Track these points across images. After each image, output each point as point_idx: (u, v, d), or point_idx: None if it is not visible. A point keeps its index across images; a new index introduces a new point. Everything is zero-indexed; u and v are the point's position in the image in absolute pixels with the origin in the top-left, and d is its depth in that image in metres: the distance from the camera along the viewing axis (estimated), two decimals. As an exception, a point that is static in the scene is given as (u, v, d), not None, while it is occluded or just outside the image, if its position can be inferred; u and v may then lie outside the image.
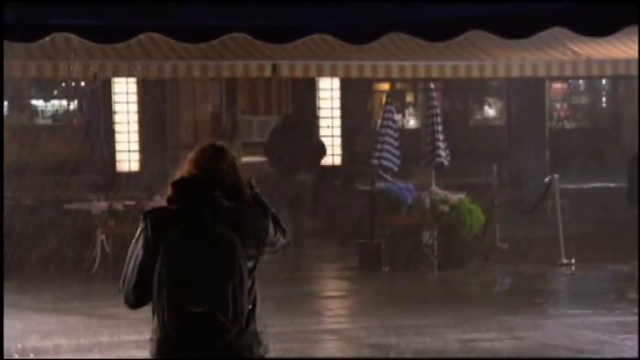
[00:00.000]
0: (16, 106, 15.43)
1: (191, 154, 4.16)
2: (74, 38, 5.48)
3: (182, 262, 3.90)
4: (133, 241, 4.08)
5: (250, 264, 3.99)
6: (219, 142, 4.26)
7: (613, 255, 12.74)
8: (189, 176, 4.08)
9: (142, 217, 4.08)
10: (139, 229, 4.07)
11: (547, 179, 13.33)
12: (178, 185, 4.07)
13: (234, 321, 3.88)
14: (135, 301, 4.05)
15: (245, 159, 15.31)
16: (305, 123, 14.54)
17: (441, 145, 12.90)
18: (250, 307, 3.98)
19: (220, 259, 3.90)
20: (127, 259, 4.08)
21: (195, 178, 4.06)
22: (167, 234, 3.95)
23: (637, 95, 15.90)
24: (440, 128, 12.89)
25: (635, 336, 8.90)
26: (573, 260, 12.68)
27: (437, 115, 12.99)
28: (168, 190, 4.11)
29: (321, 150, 14.08)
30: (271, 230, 4.11)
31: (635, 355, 8.14)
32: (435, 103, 13.24)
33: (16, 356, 8.30)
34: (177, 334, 3.88)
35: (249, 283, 3.97)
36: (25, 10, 5.00)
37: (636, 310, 9.83)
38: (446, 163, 12.92)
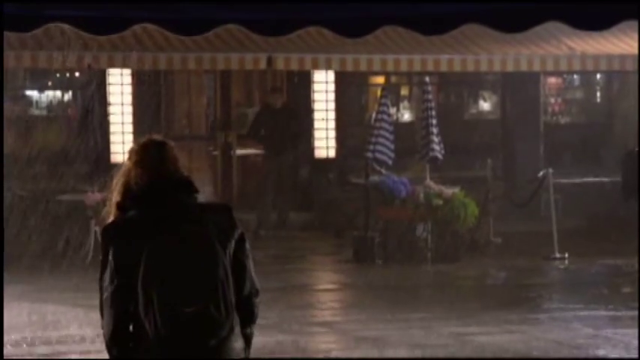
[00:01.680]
0: (10, 97, 15.38)
1: (132, 154, 4.07)
2: (69, 29, 5.47)
3: (165, 268, 3.85)
4: (100, 269, 3.94)
5: (228, 259, 3.94)
6: (156, 136, 4.19)
7: (606, 249, 12.77)
8: (147, 184, 3.98)
9: (101, 235, 3.99)
10: (103, 250, 3.94)
11: (541, 173, 13.35)
12: (138, 196, 3.97)
13: (227, 315, 3.87)
14: (126, 343, 3.92)
15: (239, 151, 15.32)
16: (286, 109, 14.72)
17: (435, 139, 12.90)
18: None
19: (201, 256, 3.88)
20: (101, 294, 3.94)
21: (150, 185, 3.98)
22: (138, 243, 3.87)
23: (632, 91, 15.92)
24: (434, 122, 12.89)
25: (628, 330, 8.93)
26: (567, 254, 12.70)
27: (431, 108, 13.00)
28: (117, 197, 4.00)
29: (297, 135, 14.49)
30: (239, 229, 4.03)
31: (634, 354, 8.13)
32: (430, 96, 13.23)
33: (9, 347, 8.29)
34: (173, 336, 3.84)
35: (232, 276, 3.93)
36: (20, 0, 4.99)
37: (630, 304, 9.86)
38: (440, 157, 12.92)
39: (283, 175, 14.44)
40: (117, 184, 4.07)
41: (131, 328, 3.94)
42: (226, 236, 3.97)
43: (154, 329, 3.84)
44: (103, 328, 3.98)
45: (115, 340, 3.94)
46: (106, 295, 3.95)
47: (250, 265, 4.06)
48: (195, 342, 3.86)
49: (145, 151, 4.08)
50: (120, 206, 4.02)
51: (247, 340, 4.05)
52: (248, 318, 4.04)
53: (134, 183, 4.00)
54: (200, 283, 3.85)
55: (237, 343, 3.96)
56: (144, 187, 3.99)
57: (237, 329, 3.96)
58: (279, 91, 15.03)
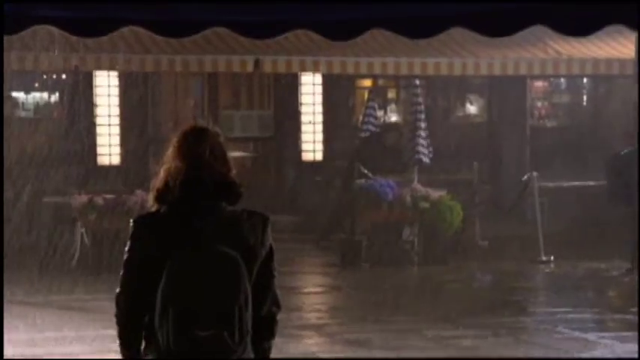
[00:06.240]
0: (-3, 98, 15.33)
1: (174, 142, 3.95)
2: (55, 30, 5.46)
3: (188, 286, 3.80)
4: (126, 249, 3.93)
5: (251, 280, 3.90)
6: (200, 124, 4.02)
7: (592, 252, 12.81)
8: (182, 183, 3.87)
9: (132, 225, 3.93)
10: (132, 239, 3.91)
11: (525, 177, 13.39)
12: (173, 194, 3.88)
13: (240, 341, 3.84)
14: (132, 304, 3.90)
15: (228, 153, 15.28)
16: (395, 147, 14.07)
17: (423, 142, 12.94)
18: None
19: (226, 280, 3.82)
20: (123, 270, 3.94)
21: (187, 183, 3.88)
22: (167, 247, 3.83)
23: (618, 94, 15.99)
24: (423, 125, 12.93)
25: (613, 334, 8.97)
26: (552, 257, 12.75)
27: (420, 111, 13.03)
28: (159, 184, 3.91)
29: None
30: (270, 244, 3.96)
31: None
32: (420, 99, 13.28)
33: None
34: (183, 355, 3.81)
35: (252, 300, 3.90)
36: (7, 1, 4.99)
37: (615, 307, 9.90)
38: (426, 160, 12.95)
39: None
40: (163, 166, 3.95)
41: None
42: (254, 256, 3.90)
43: (166, 344, 3.81)
44: (116, 317, 3.94)
45: (124, 338, 3.94)
46: (123, 290, 3.92)
47: (274, 283, 4.01)
48: None
49: (184, 139, 3.92)
50: (158, 196, 3.93)
51: (264, 353, 4.01)
52: (266, 334, 4.01)
53: (172, 176, 3.89)
54: (218, 308, 3.80)
55: (248, 356, 3.92)
56: (180, 185, 3.87)
57: (250, 346, 3.91)
58: (395, 129, 14.41)
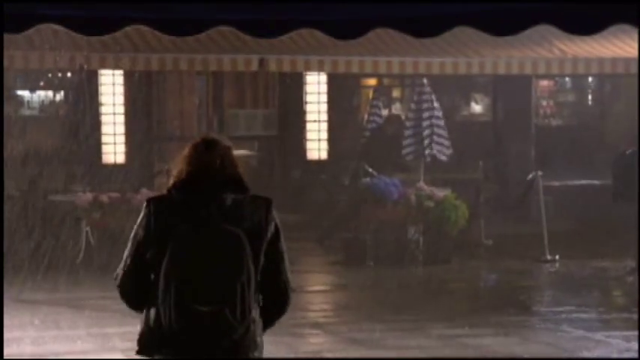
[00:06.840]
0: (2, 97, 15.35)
1: (184, 151, 4.09)
2: (60, 29, 5.47)
3: (190, 261, 3.87)
4: (135, 227, 4.04)
5: (257, 261, 3.96)
6: (210, 135, 4.18)
7: (597, 251, 12.81)
8: (189, 177, 4.01)
9: (145, 204, 4.04)
10: (142, 215, 4.02)
11: (530, 176, 13.40)
12: (179, 187, 4.02)
13: (242, 319, 3.88)
14: (131, 291, 4.01)
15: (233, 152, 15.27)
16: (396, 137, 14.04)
17: (437, 139, 13.04)
18: (256, 305, 3.99)
19: (228, 256, 3.87)
20: (128, 246, 4.05)
21: (195, 179, 4.00)
22: (172, 227, 3.91)
23: (623, 93, 15.97)
24: (442, 123, 13.06)
25: (618, 332, 8.97)
26: (557, 256, 12.74)
27: (432, 109, 13.11)
28: (169, 183, 4.08)
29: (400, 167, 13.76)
30: (275, 224, 4.02)
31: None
32: (432, 97, 13.33)
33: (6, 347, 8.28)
34: (185, 332, 3.86)
35: (256, 281, 3.95)
36: (11, 0, 4.99)
37: (620, 306, 9.89)
38: (442, 157, 13.05)
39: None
40: (174, 168, 4.10)
41: (152, 313, 3.98)
42: (259, 235, 3.96)
43: (168, 321, 3.87)
44: (121, 295, 4.05)
45: (127, 302, 4.04)
46: (127, 266, 4.03)
47: (284, 265, 4.07)
48: (207, 341, 3.87)
49: (194, 149, 4.08)
50: (170, 190, 4.07)
51: (264, 326, 4.10)
52: (276, 314, 4.12)
53: (178, 178, 4.03)
54: (220, 284, 3.86)
55: (252, 344, 3.97)
56: (185, 181, 4.01)
57: (254, 330, 3.97)
58: (396, 120, 14.49)
